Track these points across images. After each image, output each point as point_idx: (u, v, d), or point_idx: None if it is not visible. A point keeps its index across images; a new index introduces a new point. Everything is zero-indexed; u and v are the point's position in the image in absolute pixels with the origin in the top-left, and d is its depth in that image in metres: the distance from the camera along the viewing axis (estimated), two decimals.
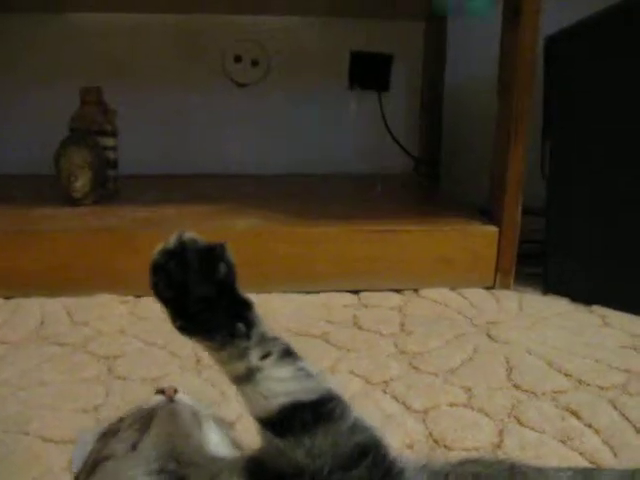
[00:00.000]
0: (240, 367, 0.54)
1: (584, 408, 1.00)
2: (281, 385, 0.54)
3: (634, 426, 0.95)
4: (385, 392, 1.08)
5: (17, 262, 1.37)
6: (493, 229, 1.48)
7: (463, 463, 0.60)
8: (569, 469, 0.61)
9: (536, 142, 1.46)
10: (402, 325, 1.33)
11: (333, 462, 0.51)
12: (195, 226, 1.46)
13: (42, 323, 1.29)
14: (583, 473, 0.60)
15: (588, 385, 1.07)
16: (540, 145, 1.46)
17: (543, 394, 1.05)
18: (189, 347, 1.19)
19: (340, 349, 1.22)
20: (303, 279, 1.48)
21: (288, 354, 0.56)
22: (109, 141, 1.63)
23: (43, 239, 1.39)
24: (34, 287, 1.39)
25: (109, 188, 1.65)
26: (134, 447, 0.60)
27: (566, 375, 1.10)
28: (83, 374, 1.10)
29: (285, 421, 0.53)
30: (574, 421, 0.97)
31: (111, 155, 1.64)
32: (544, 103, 1.46)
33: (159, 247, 0.55)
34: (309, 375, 0.55)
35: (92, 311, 1.33)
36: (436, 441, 0.94)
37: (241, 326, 0.54)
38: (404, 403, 1.04)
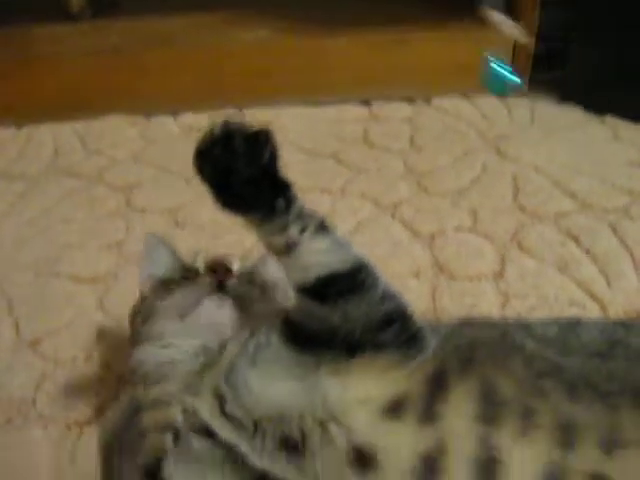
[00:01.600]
0: (280, 241, 0.59)
1: (584, 233, 1.03)
2: (318, 257, 0.59)
3: (630, 254, 0.99)
4: (394, 217, 1.11)
5: (24, 90, 1.36)
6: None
7: (462, 325, 0.65)
8: (555, 323, 0.66)
9: None
10: (412, 140, 1.33)
11: (364, 326, 0.57)
12: (202, 40, 1.43)
13: (56, 152, 1.31)
14: (568, 328, 0.65)
15: (591, 207, 1.09)
16: None
17: (546, 217, 1.08)
18: None
19: (351, 169, 1.24)
20: (314, 90, 1.46)
21: (323, 228, 0.60)
22: None
23: (48, 64, 1.36)
24: (44, 114, 1.39)
25: None
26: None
27: (571, 196, 1.12)
28: (103, 208, 1.15)
29: (322, 290, 0.58)
30: (573, 247, 1.01)
31: None
32: None
33: (205, 134, 0.56)
34: (342, 246, 0.61)
35: (104, 137, 1.34)
36: (441, 269, 1.00)
37: (281, 202, 0.58)
38: (412, 229, 1.08)
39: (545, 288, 0.94)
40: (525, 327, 0.64)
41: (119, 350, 0.88)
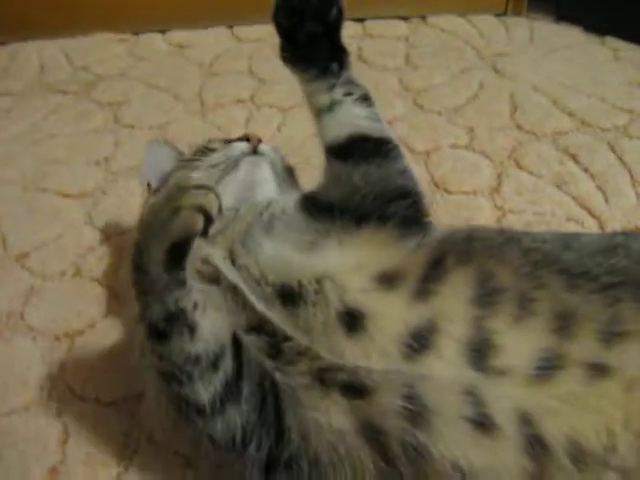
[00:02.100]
0: (325, 99, 0.65)
1: (582, 151, 1.01)
2: (355, 118, 0.65)
3: (629, 171, 0.97)
4: None
5: (8, 7, 1.31)
6: None
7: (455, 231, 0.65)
8: (554, 233, 0.66)
9: None
10: (407, 58, 1.29)
11: (379, 193, 0.62)
12: None
13: (42, 69, 1.27)
14: (567, 234, 0.65)
15: (589, 126, 1.07)
16: None
17: (544, 135, 1.06)
18: (191, 89, 1.19)
19: None
20: None
21: (366, 99, 0.66)
22: None
23: None
24: (28, 29, 1.34)
25: None
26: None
27: (569, 115, 1.10)
28: (90, 124, 1.12)
29: (350, 147, 0.65)
30: (571, 165, 1.00)
31: None
32: None
33: None
34: (378, 119, 0.66)
35: (91, 53, 1.30)
36: (437, 184, 0.98)
37: (335, 65, 0.64)
38: (407, 145, 1.05)
39: (542, 204, 0.93)
40: (524, 233, 0.64)
41: (108, 265, 0.87)
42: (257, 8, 1.35)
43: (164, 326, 0.53)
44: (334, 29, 0.64)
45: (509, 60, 1.26)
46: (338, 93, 0.65)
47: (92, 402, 0.72)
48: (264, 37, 1.32)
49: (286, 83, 1.09)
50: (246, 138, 0.77)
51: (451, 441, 0.49)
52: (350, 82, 0.66)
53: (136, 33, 1.37)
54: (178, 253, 0.52)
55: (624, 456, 0.47)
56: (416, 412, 0.50)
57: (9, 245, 0.90)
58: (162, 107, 1.15)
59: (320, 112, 0.66)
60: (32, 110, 1.15)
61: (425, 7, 1.42)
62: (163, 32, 1.38)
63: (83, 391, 0.73)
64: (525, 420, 0.48)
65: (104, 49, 1.32)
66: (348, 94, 0.65)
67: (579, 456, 0.47)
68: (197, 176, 0.72)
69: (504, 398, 0.49)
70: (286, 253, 0.59)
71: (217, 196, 0.53)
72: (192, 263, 0.54)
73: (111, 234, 0.90)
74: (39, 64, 1.29)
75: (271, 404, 0.55)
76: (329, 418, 0.52)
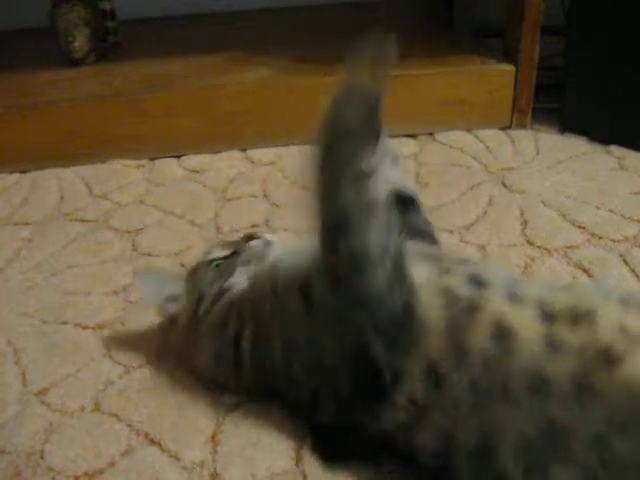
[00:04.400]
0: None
1: (595, 264, 1.02)
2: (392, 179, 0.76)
3: None
4: None
5: (28, 135, 1.37)
6: (509, 68, 1.42)
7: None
8: None
9: None
10: (417, 176, 1.33)
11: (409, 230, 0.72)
12: (204, 82, 1.44)
13: (62, 198, 1.31)
14: None
15: (600, 238, 1.09)
16: None
17: (556, 250, 1.07)
18: (206, 215, 1.22)
19: None
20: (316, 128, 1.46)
21: (396, 161, 0.83)
22: None
23: (50, 110, 1.37)
24: (48, 158, 1.39)
25: (110, 41, 1.59)
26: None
27: (579, 228, 1.12)
28: (109, 253, 1.14)
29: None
30: (585, 279, 1.00)
31: (107, 5, 1.57)
32: None
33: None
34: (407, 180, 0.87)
35: (109, 180, 1.34)
36: None
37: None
38: None
39: None
40: None
41: (129, 400, 0.87)
42: (270, 132, 1.43)
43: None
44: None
45: (517, 174, 1.29)
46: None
47: None
48: (276, 160, 1.36)
49: (300, 207, 1.12)
50: (250, 237, 0.85)
51: None
52: (384, 150, 0.68)
53: (153, 159, 1.42)
54: None
55: None
56: None
57: (29, 381, 0.90)
58: (178, 233, 1.18)
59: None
60: (52, 240, 1.18)
61: (432, 124, 1.47)
62: (179, 157, 1.42)
63: None
64: None
65: (122, 176, 1.36)
66: (384, 160, 0.68)
67: None
68: (237, 280, 0.80)
69: None
70: None
71: None
72: None
73: (130, 367, 0.90)
74: (59, 192, 1.32)
75: None
76: None
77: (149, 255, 1.13)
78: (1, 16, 1.80)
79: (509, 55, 1.45)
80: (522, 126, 1.46)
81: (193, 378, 0.87)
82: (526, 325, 0.63)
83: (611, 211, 1.15)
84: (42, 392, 0.89)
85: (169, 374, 0.88)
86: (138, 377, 0.89)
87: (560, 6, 1.48)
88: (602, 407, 0.57)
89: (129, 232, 1.19)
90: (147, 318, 0.98)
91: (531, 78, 1.42)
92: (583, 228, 1.12)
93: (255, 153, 1.39)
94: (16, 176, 1.39)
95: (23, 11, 1.76)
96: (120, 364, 0.91)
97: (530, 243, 1.10)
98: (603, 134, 1.37)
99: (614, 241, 1.08)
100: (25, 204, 1.29)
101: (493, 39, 1.56)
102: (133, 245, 1.16)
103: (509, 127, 1.47)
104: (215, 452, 0.78)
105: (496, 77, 1.43)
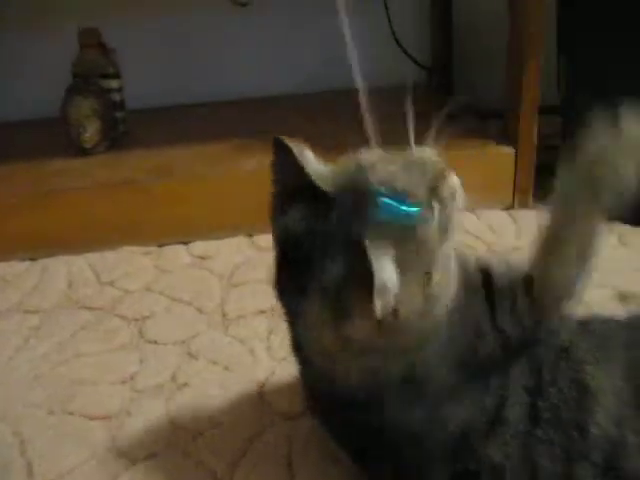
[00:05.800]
0: None
1: None
2: None
3: None
4: None
5: (37, 223, 1.39)
6: (509, 150, 1.45)
7: None
8: None
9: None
10: None
11: None
12: (205, 170, 1.47)
13: (70, 285, 1.32)
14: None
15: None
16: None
17: None
18: (213, 301, 1.23)
19: None
20: None
21: None
22: (113, 83, 1.60)
23: (60, 198, 1.40)
24: (57, 247, 1.41)
25: (119, 130, 1.64)
26: None
27: (585, 307, 1.11)
28: (116, 341, 1.14)
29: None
30: None
31: (117, 97, 1.62)
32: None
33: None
34: None
35: (117, 268, 1.36)
36: None
37: None
38: None
39: None
40: None
41: None
42: None
43: None
44: None
45: (520, 254, 1.29)
46: None
47: None
48: None
49: None
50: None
51: None
52: None
53: (160, 245, 1.44)
54: None
55: None
56: None
57: (35, 474, 0.89)
58: (185, 321, 1.18)
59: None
60: (59, 328, 1.18)
61: None
62: (186, 243, 1.44)
63: None
64: None
65: (130, 263, 1.38)
66: None
67: None
68: None
69: None
70: None
71: None
72: None
73: (137, 459, 0.90)
74: (67, 280, 1.34)
75: None
76: None
77: (155, 343, 1.13)
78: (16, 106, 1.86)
79: (509, 137, 1.48)
80: (524, 206, 1.48)
81: (201, 469, 0.86)
82: None
83: (615, 289, 1.16)
84: None
85: (176, 466, 0.88)
86: (144, 469, 0.88)
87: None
88: None
89: (136, 320, 1.20)
90: (154, 407, 0.98)
91: (531, 159, 1.45)
92: (589, 307, 1.10)
93: (262, 238, 1.41)
94: (26, 264, 1.40)
95: (32, 102, 1.83)
96: (126, 456, 0.91)
97: None
98: None
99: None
100: (34, 292, 1.30)
101: (492, 120, 1.60)
102: (140, 332, 1.16)
103: (512, 207, 1.49)
104: None
105: (496, 160, 1.46)
